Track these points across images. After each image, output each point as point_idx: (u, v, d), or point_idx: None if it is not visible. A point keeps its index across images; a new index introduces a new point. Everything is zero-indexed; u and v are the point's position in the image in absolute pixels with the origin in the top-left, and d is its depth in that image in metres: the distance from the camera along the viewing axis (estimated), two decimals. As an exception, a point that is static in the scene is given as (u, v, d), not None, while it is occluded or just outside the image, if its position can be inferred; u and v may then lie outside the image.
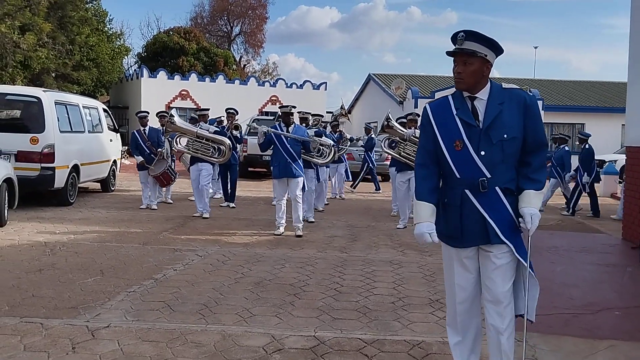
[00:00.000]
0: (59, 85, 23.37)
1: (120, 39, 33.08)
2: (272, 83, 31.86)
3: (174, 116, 9.99)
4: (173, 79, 28.42)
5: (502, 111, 3.10)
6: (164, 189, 11.72)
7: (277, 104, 27.79)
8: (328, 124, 13.29)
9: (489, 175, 3.08)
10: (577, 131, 21.17)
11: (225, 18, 44.54)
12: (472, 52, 3.08)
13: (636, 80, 8.51)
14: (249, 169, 17.89)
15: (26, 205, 10.10)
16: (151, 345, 3.94)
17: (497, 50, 3.15)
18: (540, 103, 24.46)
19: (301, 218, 8.56)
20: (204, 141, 9.98)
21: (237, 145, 11.76)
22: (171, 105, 26.94)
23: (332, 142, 9.88)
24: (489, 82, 3.16)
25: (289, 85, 31.25)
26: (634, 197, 8.47)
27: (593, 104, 26.83)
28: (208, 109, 11.58)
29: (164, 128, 10.53)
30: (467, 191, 3.13)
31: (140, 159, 10.97)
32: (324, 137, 9.80)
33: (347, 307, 4.99)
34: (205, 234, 8.39)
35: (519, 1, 73.88)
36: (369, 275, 6.18)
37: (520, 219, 3.13)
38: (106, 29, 30.79)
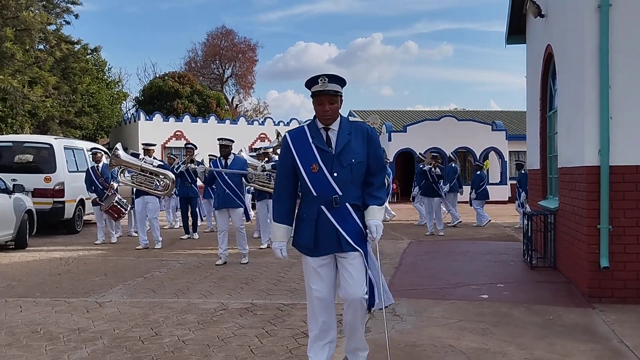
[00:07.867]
0: (63, 131, 25.60)
1: (118, 86, 35.64)
2: (260, 122, 34.12)
3: (118, 149, 10.32)
4: (168, 120, 30.67)
5: (350, 140, 3.63)
6: (134, 222, 12.18)
7: (266, 141, 29.99)
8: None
9: (340, 193, 3.60)
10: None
11: (217, 62, 47.33)
12: (336, 92, 3.60)
13: (531, 116, 10.60)
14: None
15: (41, 234, 12.13)
16: (139, 309, 5.95)
17: (344, 85, 3.68)
18: (504, 133, 26.75)
19: (245, 247, 9.02)
20: (147, 174, 10.30)
21: (197, 179, 11.84)
22: (166, 145, 29.19)
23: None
24: (339, 116, 3.72)
25: (276, 123, 33.46)
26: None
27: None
28: (154, 144, 12.23)
29: (110, 162, 10.66)
30: (322, 207, 3.62)
31: (94, 196, 11.33)
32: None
33: (282, 289, 6.99)
34: (188, 249, 10.43)
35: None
36: (307, 272, 8.16)
37: (367, 230, 3.67)
38: (105, 77, 33.32)
